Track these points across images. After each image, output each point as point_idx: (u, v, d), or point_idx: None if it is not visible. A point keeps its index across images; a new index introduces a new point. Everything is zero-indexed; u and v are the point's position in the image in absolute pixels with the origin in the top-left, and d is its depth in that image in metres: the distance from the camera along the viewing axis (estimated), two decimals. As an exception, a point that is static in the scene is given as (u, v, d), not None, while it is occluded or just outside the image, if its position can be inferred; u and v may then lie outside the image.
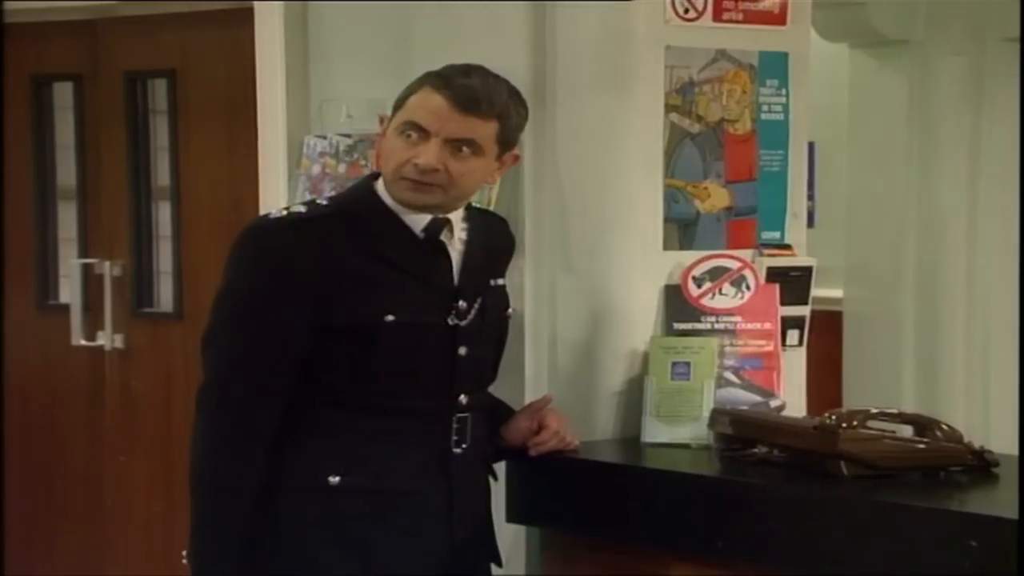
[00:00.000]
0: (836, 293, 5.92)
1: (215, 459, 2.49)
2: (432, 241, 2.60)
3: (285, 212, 2.58)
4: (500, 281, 2.74)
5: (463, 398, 2.64)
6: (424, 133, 2.53)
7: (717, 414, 3.10)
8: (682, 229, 3.37)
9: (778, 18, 3.35)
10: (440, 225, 2.60)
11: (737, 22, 3.32)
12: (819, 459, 2.75)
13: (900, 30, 5.61)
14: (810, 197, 6.20)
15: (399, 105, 2.58)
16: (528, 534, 3.15)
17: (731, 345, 3.28)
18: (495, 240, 2.78)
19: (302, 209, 2.57)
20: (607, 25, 3.26)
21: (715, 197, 3.39)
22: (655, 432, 3.16)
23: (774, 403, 3.24)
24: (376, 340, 2.49)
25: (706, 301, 3.31)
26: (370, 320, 2.49)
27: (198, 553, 2.53)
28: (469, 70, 2.59)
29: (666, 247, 3.35)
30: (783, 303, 3.34)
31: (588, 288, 3.24)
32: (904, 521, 2.49)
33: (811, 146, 5.95)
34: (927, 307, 5.74)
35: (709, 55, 3.32)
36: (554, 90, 3.37)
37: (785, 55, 3.40)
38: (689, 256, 3.34)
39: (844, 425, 2.74)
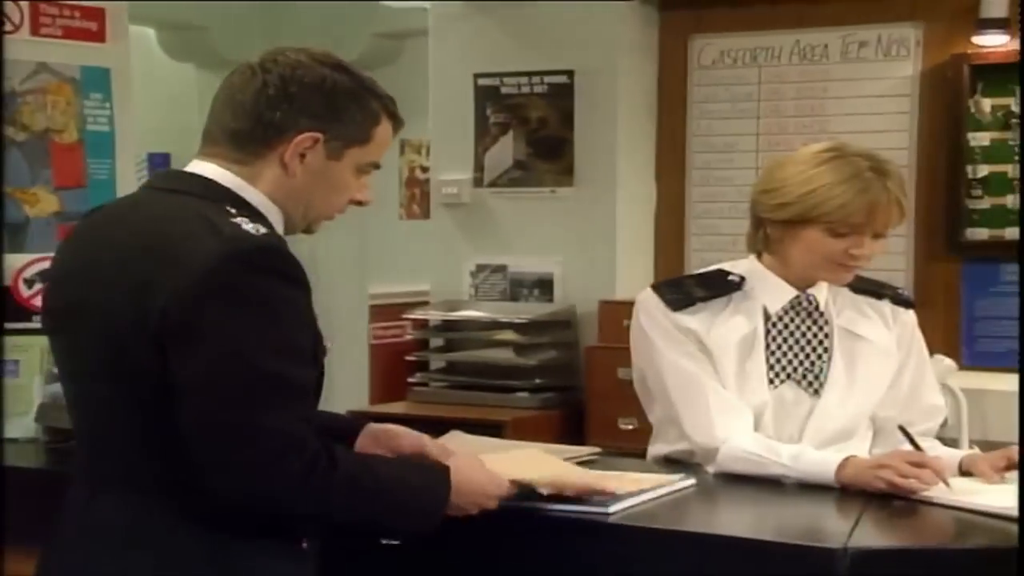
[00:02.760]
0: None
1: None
2: None
3: (262, 231, 1.95)
4: None
5: None
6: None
7: (45, 409, 3.24)
8: (12, 233, 3.51)
9: (97, 35, 3.59)
10: None
11: (56, 37, 3.52)
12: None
13: (241, 53, 5.93)
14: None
15: (362, 140, 2.09)
16: None
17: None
18: None
19: (263, 229, 1.97)
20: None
21: (44, 202, 3.56)
22: (-11, 429, 3.26)
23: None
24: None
25: (37, 301, 3.45)
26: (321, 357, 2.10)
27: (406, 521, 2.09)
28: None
29: (-6, 250, 3.48)
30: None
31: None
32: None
33: (167, 157, 6.26)
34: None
35: (30, 67, 3.49)
36: None
37: (107, 70, 3.63)
38: (20, 259, 3.47)
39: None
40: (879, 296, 2.73)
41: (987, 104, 4.41)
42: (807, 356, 2.63)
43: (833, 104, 4.63)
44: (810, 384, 2.62)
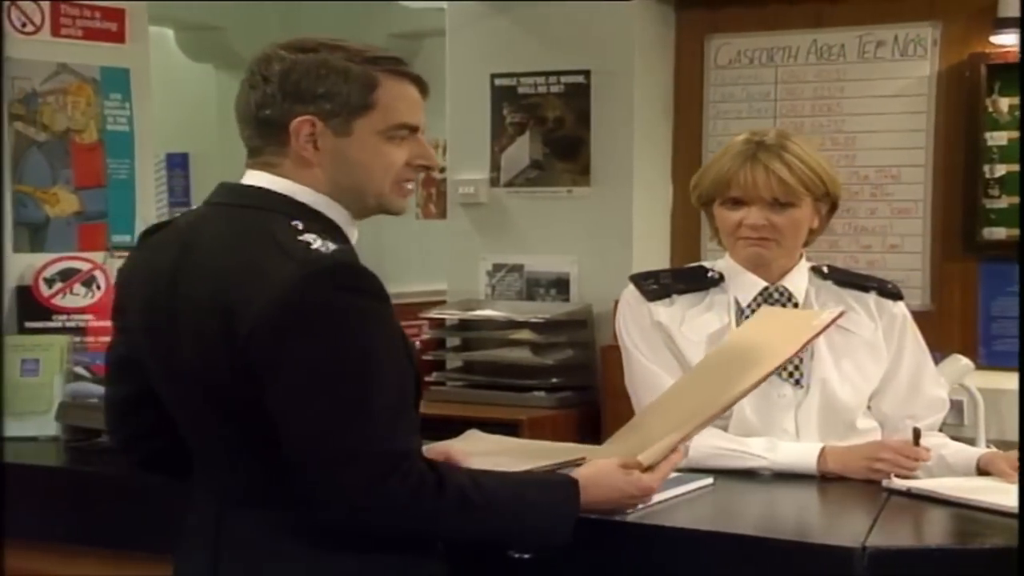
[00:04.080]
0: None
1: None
2: None
3: (331, 247, 1.93)
4: None
5: None
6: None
7: (65, 407, 3.27)
8: (32, 232, 3.54)
9: (117, 36, 3.61)
10: None
11: (76, 38, 3.54)
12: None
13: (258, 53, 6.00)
14: (188, 204, 6.53)
15: (363, 108, 2.03)
16: None
17: (82, 342, 3.47)
18: None
19: (332, 245, 1.94)
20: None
21: (64, 202, 3.58)
22: (5, 427, 3.28)
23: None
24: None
25: (57, 300, 3.48)
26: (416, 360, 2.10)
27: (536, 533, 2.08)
28: None
29: (16, 250, 3.50)
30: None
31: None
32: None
33: (185, 157, 6.29)
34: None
35: (51, 68, 3.52)
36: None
37: (126, 71, 3.66)
38: (40, 258, 3.51)
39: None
40: (865, 289, 2.74)
41: (1004, 103, 4.41)
42: None
43: (850, 104, 4.63)
44: (791, 375, 2.63)
